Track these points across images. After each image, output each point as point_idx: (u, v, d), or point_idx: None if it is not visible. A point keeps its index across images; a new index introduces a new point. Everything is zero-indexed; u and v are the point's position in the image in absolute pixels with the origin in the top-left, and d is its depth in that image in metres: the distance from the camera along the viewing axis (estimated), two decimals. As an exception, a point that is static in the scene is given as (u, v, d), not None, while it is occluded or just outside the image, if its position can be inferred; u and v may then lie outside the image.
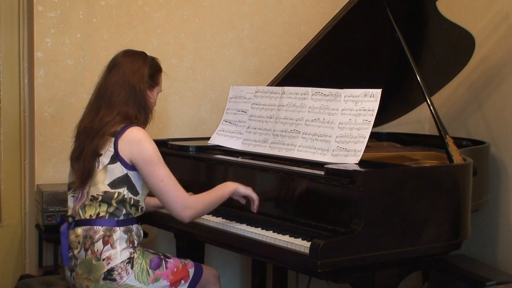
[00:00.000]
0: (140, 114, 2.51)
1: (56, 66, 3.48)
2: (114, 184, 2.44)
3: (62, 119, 3.46)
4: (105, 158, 2.45)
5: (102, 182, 2.44)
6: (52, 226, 3.15)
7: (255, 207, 2.64)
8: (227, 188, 2.61)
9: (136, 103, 2.49)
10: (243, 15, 3.89)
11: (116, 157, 2.43)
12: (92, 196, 2.46)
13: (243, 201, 2.66)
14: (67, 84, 3.49)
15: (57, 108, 3.48)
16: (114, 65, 2.54)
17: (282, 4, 3.98)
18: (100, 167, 2.45)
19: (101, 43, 3.56)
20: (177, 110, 3.78)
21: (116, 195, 2.45)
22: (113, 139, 2.43)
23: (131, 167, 2.45)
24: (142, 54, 2.61)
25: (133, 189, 2.47)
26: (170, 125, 3.77)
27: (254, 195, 2.63)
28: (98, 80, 2.57)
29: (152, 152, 2.44)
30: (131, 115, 2.47)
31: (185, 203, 2.47)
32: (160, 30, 3.71)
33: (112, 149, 2.43)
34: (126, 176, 2.45)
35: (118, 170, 2.44)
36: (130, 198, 2.47)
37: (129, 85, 2.48)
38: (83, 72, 3.53)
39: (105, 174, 2.44)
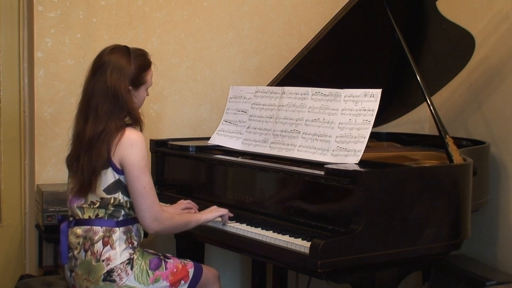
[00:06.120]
0: (128, 119, 2.49)
1: (56, 66, 3.48)
2: (109, 189, 2.44)
3: (62, 119, 3.46)
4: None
5: (98, 187, 2.44)
6: (52, 226, 3.15)
7: (227, 219, 2.67)
8: (194, 217, 2.62)
9: (121, 110, 2.46)
10: (243, 15, 3.89)
11: (108, 162, 2.42)
12: (91, 201, 2.46)
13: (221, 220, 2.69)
14: (67, 84, 3.48)
15: (57, 108, 3.48)
16: (98, 67, 2.50)
17: (282, 4, 3.98)
18: None
19: (101, 43, 3.52)
20: (177, 110, 3.78)
21: (112, 200, 2.45)
22: (106, 144, 2.42)
23: (121, 171, 2.44)
24: (128, 53, 2.52)
25: (126, 192, 2.47)
26: (170, 125, 3.76)
27: (222, 213, 2.66)
28: (85, 79, 2.54)
29: (140, 158, 2.43)
30: (119, 124, 2.44)
31: (156, 216, 2.45)
32: (160, 30, 3.70)
33: (105, 154, 2.42)
34: (118, 181, 2.44)
35: (110, 176, 2.43)
36: (126, 201, 2.47)
37: (112, 92, 2.44)
38: (83, 72, 3.42)
39: (100, 180, 2.44)
